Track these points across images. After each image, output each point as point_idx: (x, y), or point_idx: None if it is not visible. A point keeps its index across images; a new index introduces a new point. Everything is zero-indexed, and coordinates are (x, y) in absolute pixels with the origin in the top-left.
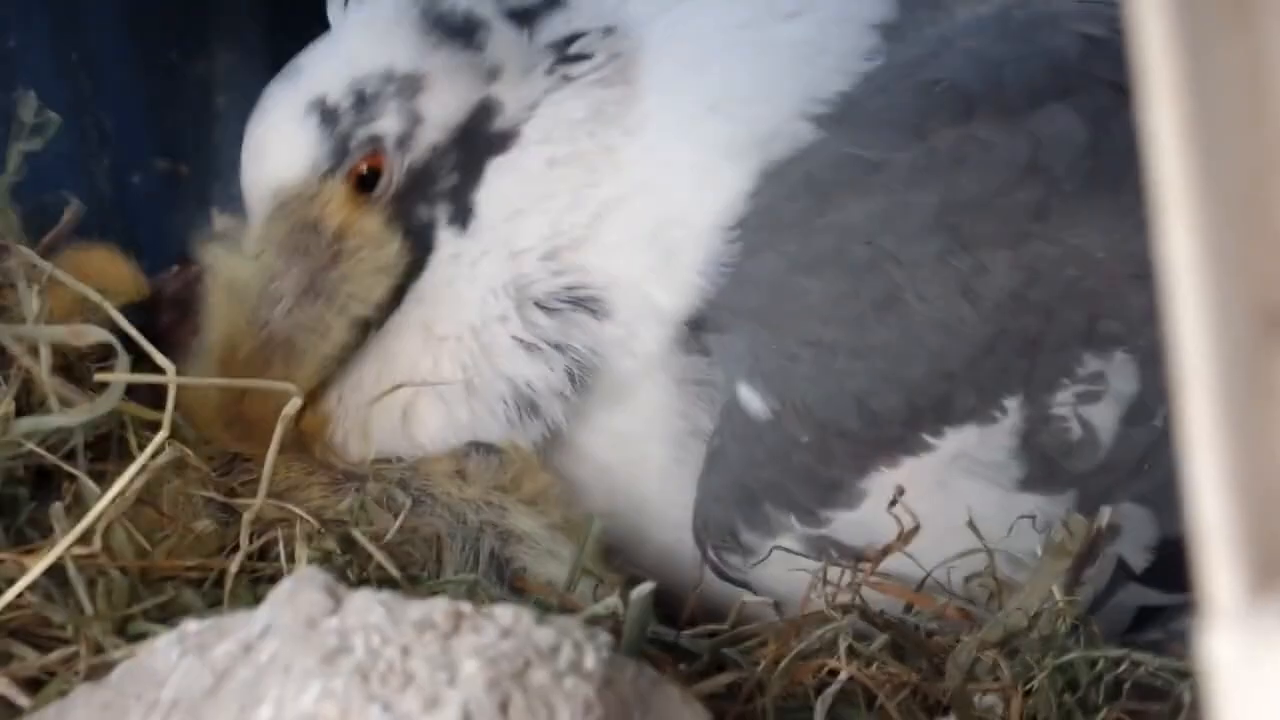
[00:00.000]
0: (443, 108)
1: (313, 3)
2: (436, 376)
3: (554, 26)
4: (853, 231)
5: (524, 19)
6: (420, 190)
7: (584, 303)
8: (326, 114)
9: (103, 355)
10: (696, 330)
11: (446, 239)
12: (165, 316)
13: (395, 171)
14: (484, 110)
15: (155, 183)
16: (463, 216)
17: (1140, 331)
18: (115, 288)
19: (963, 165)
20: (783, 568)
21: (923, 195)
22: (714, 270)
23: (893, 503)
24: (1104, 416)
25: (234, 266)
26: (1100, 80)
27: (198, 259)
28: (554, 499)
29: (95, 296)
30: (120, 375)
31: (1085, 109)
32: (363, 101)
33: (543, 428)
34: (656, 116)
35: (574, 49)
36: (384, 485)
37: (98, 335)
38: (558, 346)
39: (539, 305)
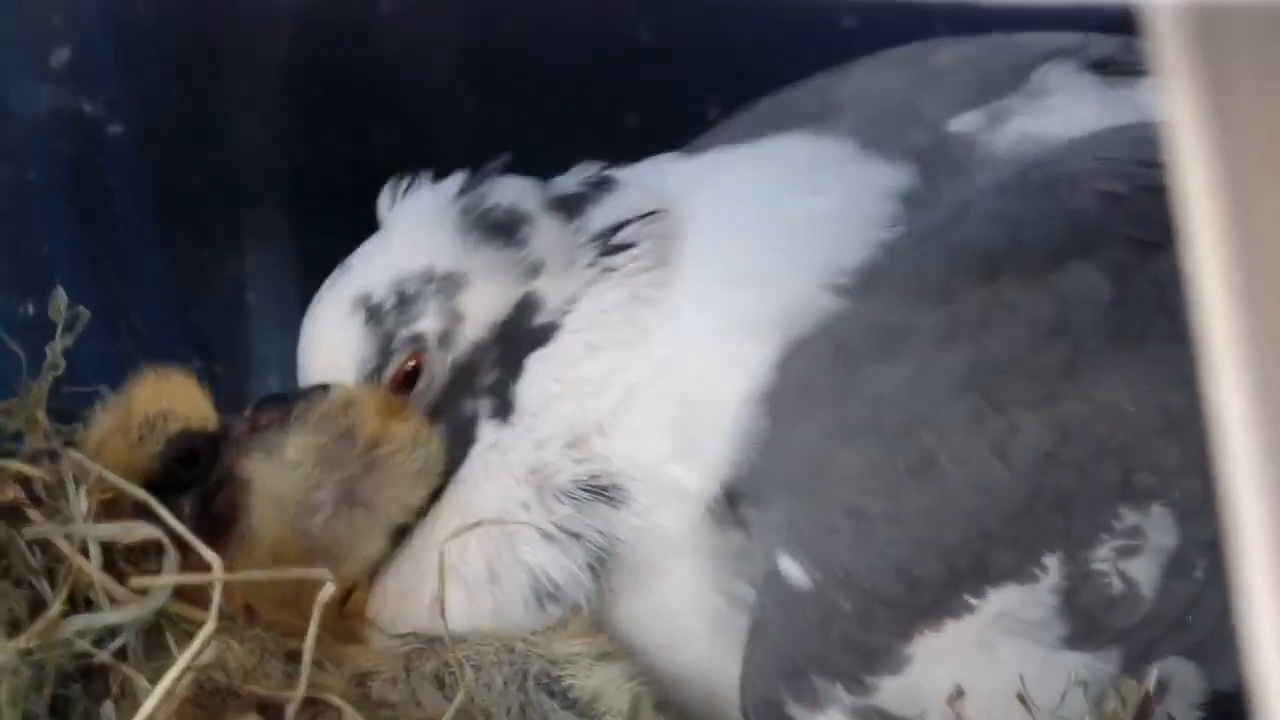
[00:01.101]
0: (484, 306)
1: (340, 202)
2: (463, 563)
3: (600, 215)
4: (884, 399)
5: (571, 208)
6: (464, 385)
7: (603, 492)
8: (371, 312)
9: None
10: (733, 505)
11: (487, 431)
12: (228, 454)
13: (438, 369)
14: (526, 306)
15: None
16: (504, 410)
17: (1176, 484)
18: (187, 410)
19: (989, 327)
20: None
21: (951, 359)
22: (747, 444)
23: (955, 699)
24: (1145, 570)
25: (275, 477)
26: (1120, 236)
27: (270, 408)
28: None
29: (142, 495)
30: (168, 578)
31: (1107, 265)
32: (404, 300)
33: (563, 611)
34: (688, 296)
35: (617, 239)
36: (487, 653)
37: (146, 533)
38: (576, 535)
39: (560, 494)
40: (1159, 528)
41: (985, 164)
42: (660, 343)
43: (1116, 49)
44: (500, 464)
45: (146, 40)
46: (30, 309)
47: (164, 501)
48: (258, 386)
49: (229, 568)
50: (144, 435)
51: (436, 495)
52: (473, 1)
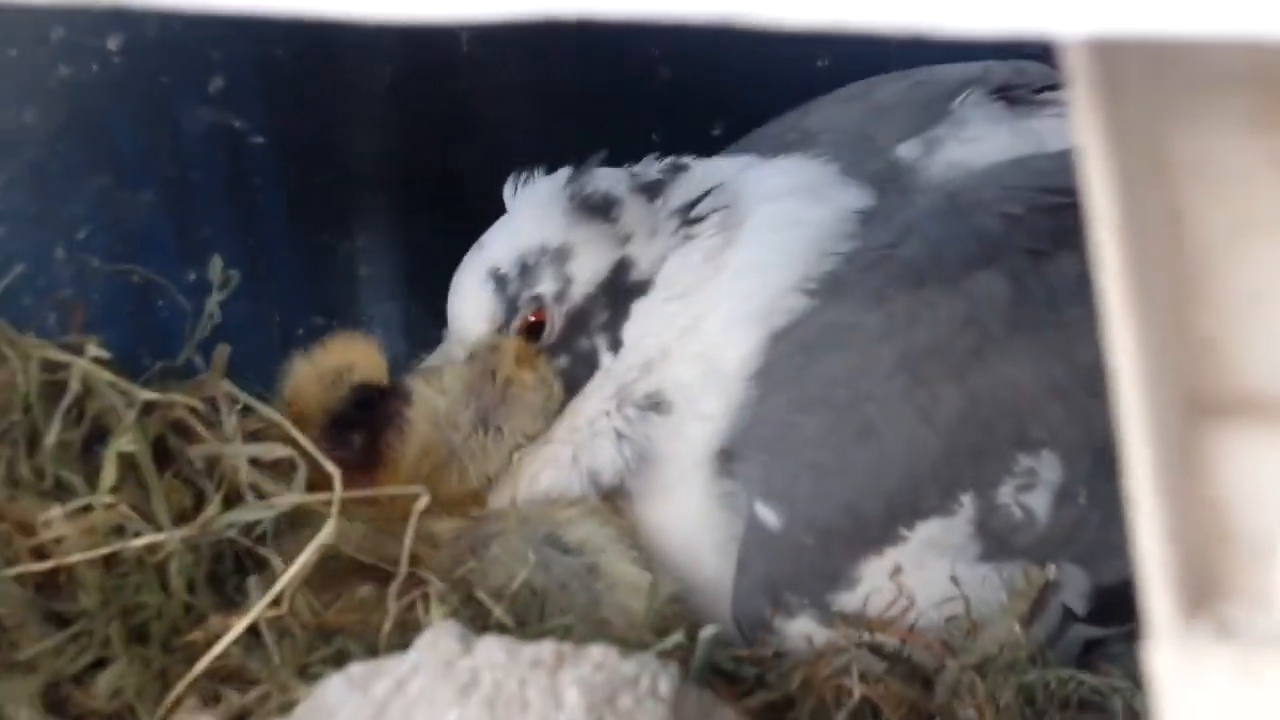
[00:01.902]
0: (587, 269)
1: (428, 197)
2: (567, 455)
3: (677, 194)
4: (836, 380)
5: (653, 190)
6: (579, 328)
7: (657, 405)
8: (499, 280)
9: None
10: (725, 461)
11: (606, 360)
12: (391, 405)
13: (556, 320)
14: (621, 267)
15: (316, 334)
16: (616, 345)
17: (1060, 434)
18: (367, 366)
19: (916, 323)
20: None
21: (887, 347)
22: (738, 412)
23: (895, 574)
24: (1038, 501)
25: (431, 397)
26: (1018, 249)
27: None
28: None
29: (278, 418)
30: (294, 497)
31: (1007, 272)
32: (525, 270)
33: (601, 491)
34: (728, 274)
35: (694, 213)
36: (507, 539)
37: (281, 452)
38: (627, 437)
39: (630, 406)
40: (1048, 468)
41: (924, 188)
42: (702, 304)
43: (1010, 74)
44: (600, 387)
45: (282, 72)
46: (193, 276)
47: (340, 433)
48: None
49: (386, 479)
50: (333, 382)
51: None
52: (532, 44)
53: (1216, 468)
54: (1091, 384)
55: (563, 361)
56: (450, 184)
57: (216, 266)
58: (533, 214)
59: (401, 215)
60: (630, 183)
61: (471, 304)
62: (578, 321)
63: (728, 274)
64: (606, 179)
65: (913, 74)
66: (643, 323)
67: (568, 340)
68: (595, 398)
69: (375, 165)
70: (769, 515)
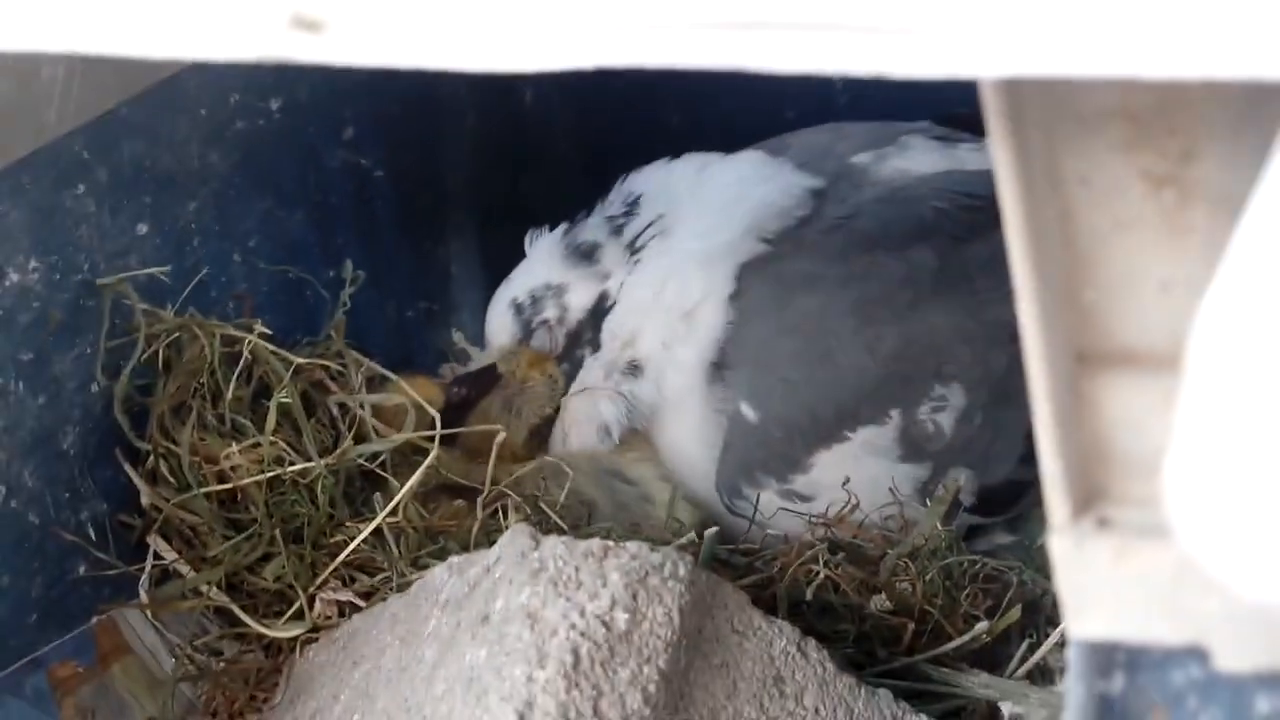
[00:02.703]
0: (579, 299)
1: (502, 216)
2: (581, 415)
3: (629, 229)
4: (807, 314)
5: (619, 229)
6: (575, 343)
7: (634, 369)
8: (517, 308)
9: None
10: (717, 369)
11: (588, 360)
12: (452, 414)
13: (559, 336)
14: (602, 296)
15: (421, 316)
16: (596, 345)
17: (966, 371)
18: (428, 397)
19: (869, 278)
20: (784, 520)
21: (845, 294)
22: (723, 332)
23: (845, 483)
24: (946, 420)
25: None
26: (945, 232)
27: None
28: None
29: (394, 377)
30: (402, 437)
31: (936, 248)
32: (535, 301)
33: (612, 442)
34: (678, 236)
35: (638, 243)
36: (580, 473)
37: (397, 400)
38: (621, 395)
39: (616, 373)
40: (955, 395)
41: (873, 182)
42: (659, 268)
43: (946, 132)
44: (593, 367)
45: (396, 123)
46: (331, 274)
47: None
48: (453, 317)
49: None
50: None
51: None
52: (576, 98)
53: (1098, 404)
54: (992, 336)
55: (565, 368)
56: (518, 203)
57: (348, 267)
58: (541, 259)
59: (482, 227)
60: (608, 229)
61: (497, 324)
62: (574, 338)
63: (675, 239)
64: (592, 229)
65: (876, 123)
66: (614, 322)
67: (568, 352)
68: (588, 378)
69: (463, 191)
70: (749, 412)
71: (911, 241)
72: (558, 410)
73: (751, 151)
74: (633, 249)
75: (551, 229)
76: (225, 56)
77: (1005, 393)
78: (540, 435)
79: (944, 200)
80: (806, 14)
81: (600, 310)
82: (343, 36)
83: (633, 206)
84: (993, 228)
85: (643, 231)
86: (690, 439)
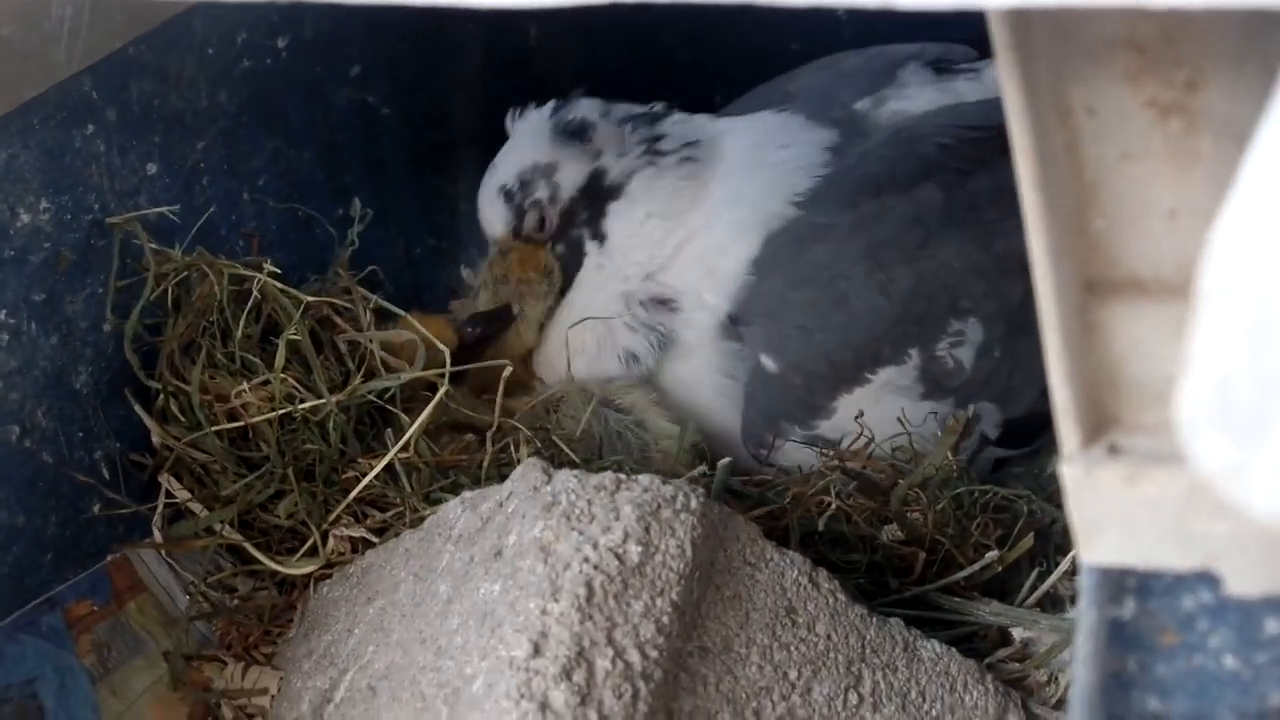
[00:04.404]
0: (570, 177)
1: None
2: (584, 344)
3: (643, 130)
4: (819, 264)
5: (626, 119)
6: (570, 222)
7: (665, 303)
8: (507, 194)
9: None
10: (733, 323)
11: (591, 251)
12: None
13: (552, 216)
14: (596, 175)
15: (429, 253)
16: (600, 237)
17: (982, 305)
18: (438, 334)
19: (878, 221)
20: (796, 452)
21: (856, 240)
22: (742, 290)
23: (858, 417)
24: (966, 354)
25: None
26: (949, 168)
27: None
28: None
29: (401, 313)
30: (412, 373)
31: (942, 184)
32: (524, 184)
33: (641, 370)
34: (714, 201)
35: (659, 145)
36: (571, 398)
37: (406, 336)
38: (648, 327)
39: (640, 304)
40: (973, 330)
41: (875, 128)
42: (697, 221)
43: (941, 51)
44: (604, 285)
45: (402, 61)
46: (339, 212)
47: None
48: (462, 253)
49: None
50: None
51: (564, 292)
52: (581, 36)
53: (1107, 333)
54: (1004, 267)
55: (560, 249)
56: None
57: (356, 205)
58: (526, 138)
59: (488, 165)
60: (603, 110)
61: (489, 213)
62: (567, 217)
63: (714, 203)
64: (583, 108)
65: (869, 51)
66: (626, 234)
67: (563, 232)
68: (599, 297)
69: (470, 127)
70: (769, 363)
71: (917, 181)
72: (561, 295)
73: (766, 114)
74: (651, 146)
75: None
76: None
77: (1022, 324)
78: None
79: (947, 136)
80: None
81: (596, 189)
82: None
83: (653, 115)
84: (997, 158)
85: (667, 136)
86: (704, 388)
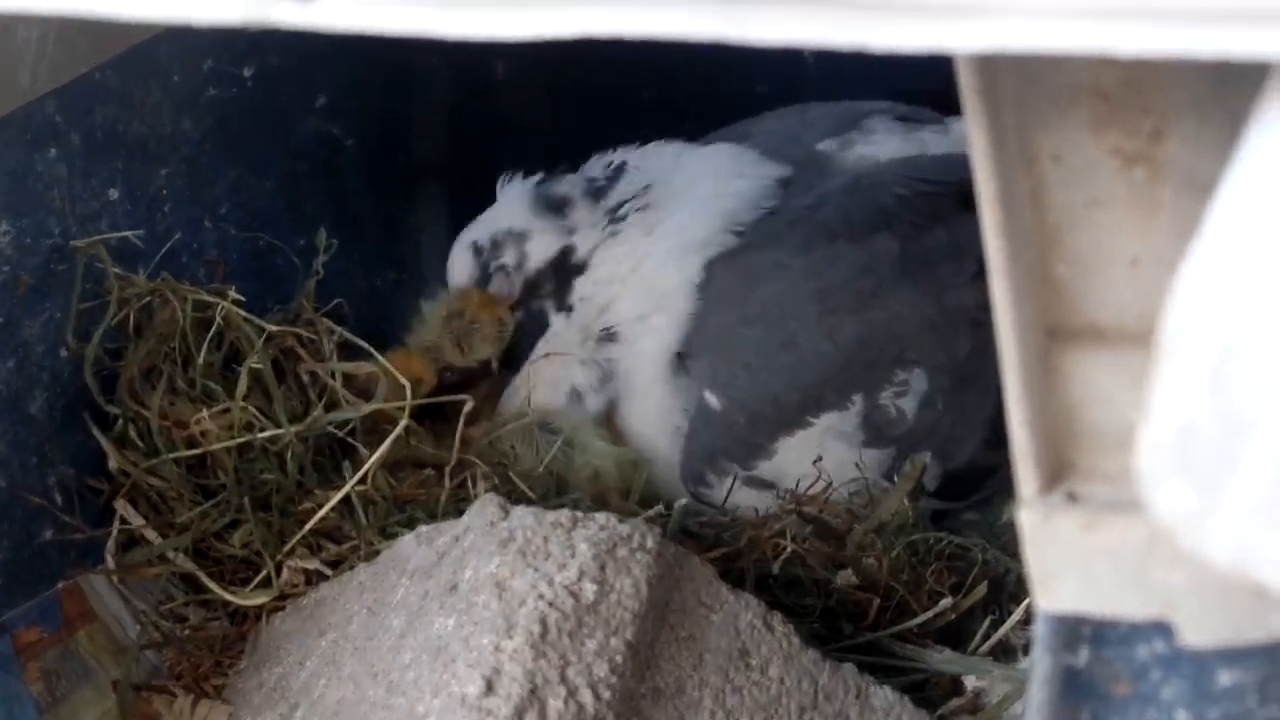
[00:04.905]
0: (540, 249)
1: (473, 188)
2: (547, 377)
3: (611, 196)
4: (769, 303)
5: (598, 193)
6: (533, 292)
7: (611, 336)
8: (477, 250)
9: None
10: (681, 359)
11: (556, 320)
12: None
13: (516, 282)
14: (566, 251)
15: (390, 286)
16: (566, 309)
17: (928, 357)
18: (416, 371)
19: (832, 266)
20: (738, 492)
21: (808, 283)
22: (688, 320)
23: (817, 461)
24: (909, 405)
25: (424, 334)
26: (906, 219)
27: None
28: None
29: (367, 347)
30: (372, 406)
31: (897, 235)
32: (494, 244)
33: (587, 407)
34: (661, 230)
35: (620, 213)
36: (529, 429)
37: (369, 369)
38: (594, 362)
39: (592, 339)
40: (918, 380)
41: (839, 169)
42: (643, 250)
43: (908, 111)
44: (568, 332)
45: (368, 93)
46: (302, 242)
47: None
48: (424, 289)
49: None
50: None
51: (524, 357)
52: (547, 72)
53: (1068, 379)
54: (953, 321)
55: (520, 315)
56: (488, 175)
57: (321, 236)
58: (508, 204)
59: (452, 199)
60: (584, 187)
61: (458, 266)
62: (532, 287)
63: (659, 230)
64: (566, 184)
65: (837, 103)
66: (589, 290)
67: (525, 300)
68: (562, 339)
69: (434, 162)
70: (713, 400)
71: (874, 229)
72: (507, 353)
73: (722, 144)
74: (613, 216)
75: (526, 177)
76: (210, 20)
77: (967, 378)
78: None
79: (906, 187)
80: None
81: (563, 265)
82: (326, 1)
83: (615, 174)
84: (955, 213)
85: (626, 201)
86: (652, 424)
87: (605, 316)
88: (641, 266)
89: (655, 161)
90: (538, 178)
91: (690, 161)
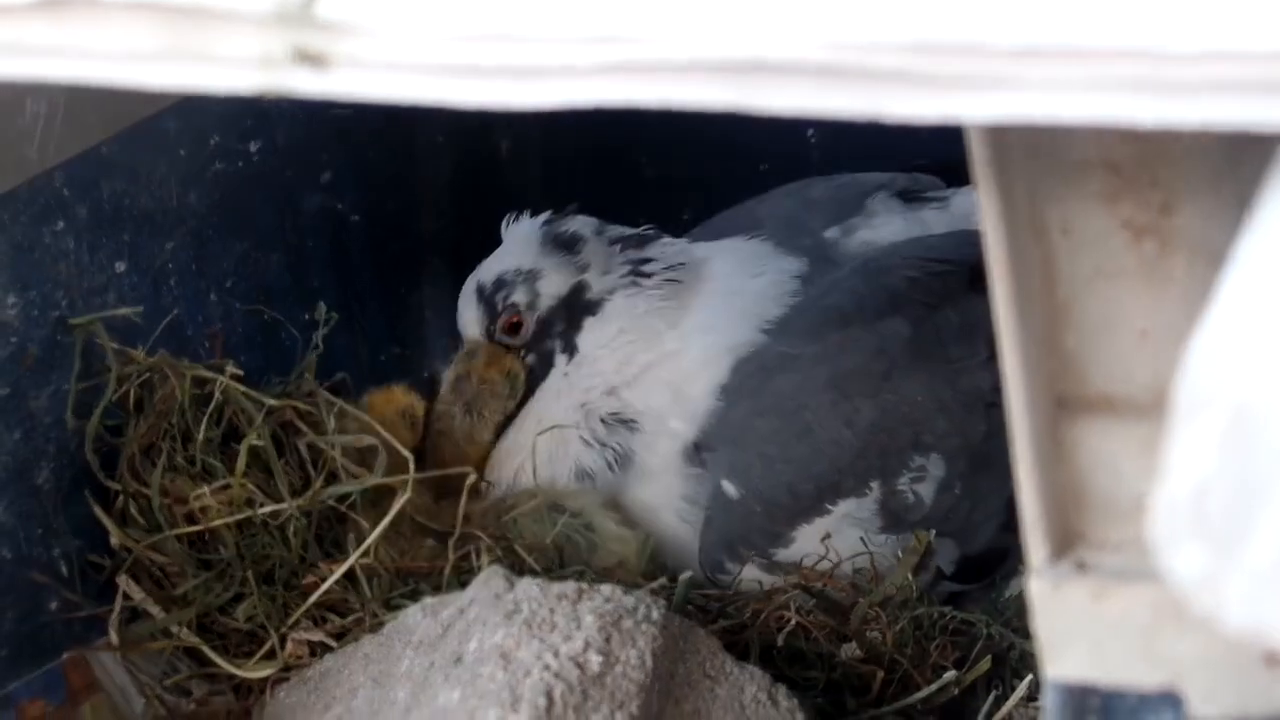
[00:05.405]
0: (552, 287)
1: (478, 258)
2: (538, 452)
3: (631, 252)
4: (783, 394)
5: (617, 240)
6: (546, 333)
7: (626, 423)
8: (483, 293)
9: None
10: (697, 450)
11: (560, 362)
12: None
13: (530, 322)
14: (578, 288)
15: (394, 360)
16: (570, 350)
17: (944, 441)
18: (402, 404)
19: (843, 352)
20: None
21: (821, 370)
22: (708, 417)
23: (825, 539)
24: (926, 489)
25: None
26: (916, 301)
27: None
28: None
29: (366, 419)
30: (374, 479)
31: (909, 318)
32: (501, 285)
33: (594, 486)
34: (690, 325)
35: (645, 268)
36: (535, 505)
37: (368, 442)
38: (604, 444)
39: (600, 420)
40: (934, 465)
41: (845, 257)
42: (670, 346)
43: (909, 182)
44: (564, 394)
45: (372, 169)
46: (305, 316)
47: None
48: (428, 362)
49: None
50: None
51: (529, 397)
52: (553, 151)
53: (1077, 449)
54: (968, 403)
55: (532, 359)
56: (491, 250)
57: (322, 309)
58: (515, 244)
59: (456, 274)
60: (596, 228)
61: (465, 311)
62: (544, 327)
63: (687, 328)
64: (577, 223)
65: (838, 178)
66: (597, 346)
67: (537, 341)
68: (557, 406)
69: (438, 237)
70: (730, 489)
71: (884, 313)
72: (520, 404)
73: (738, 239)
74: (637, 269)
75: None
76: (226, 89)
77: (983, 461)
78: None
79: (914, 269)
80: (802, 57)
81: (576, 302)
82: (342, 71)
83: (648, 238)
84: (964, 293)
85: (654, 261)
86: (666, 512)
87: (618, 400)
88: (668, 364)
89: (685, 249)
90: (545, 216)
91: (718, 253)
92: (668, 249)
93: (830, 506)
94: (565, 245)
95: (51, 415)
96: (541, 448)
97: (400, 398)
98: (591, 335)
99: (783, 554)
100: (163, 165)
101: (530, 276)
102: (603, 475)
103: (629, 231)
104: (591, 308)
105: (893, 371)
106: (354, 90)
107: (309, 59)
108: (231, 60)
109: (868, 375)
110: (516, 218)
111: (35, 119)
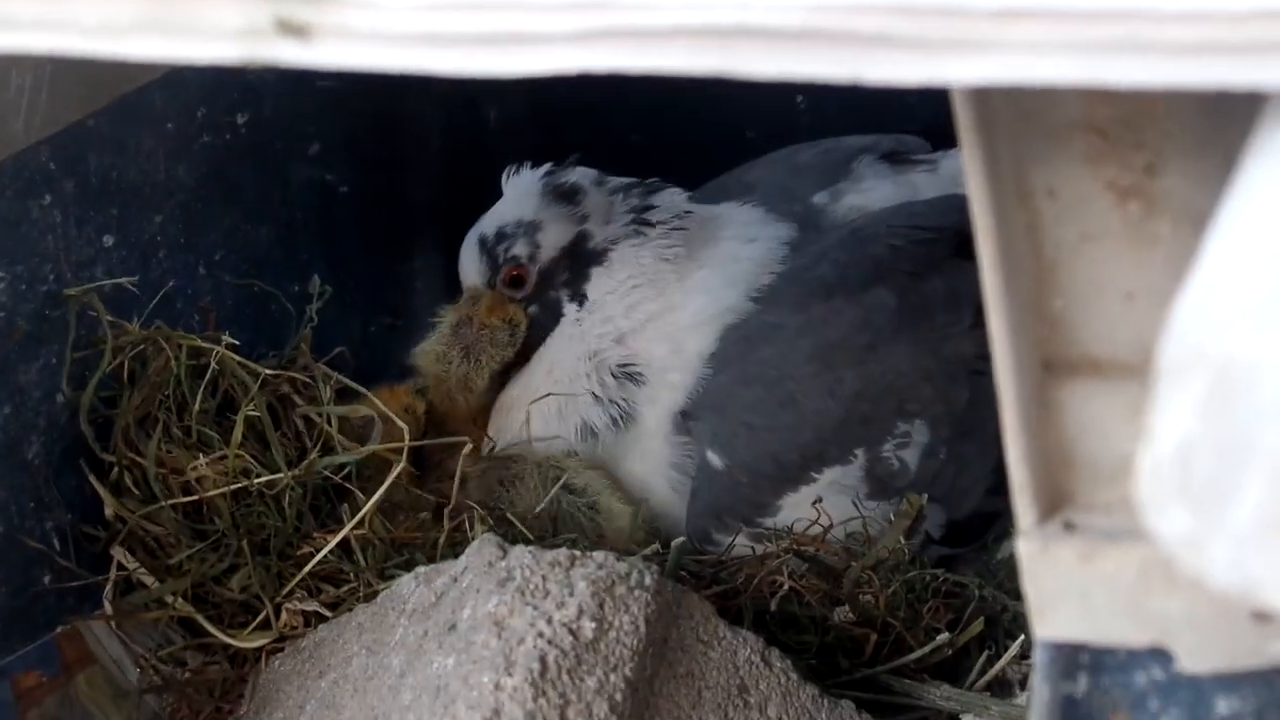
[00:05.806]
0: (553, 238)
1: (467, 228)
2: (545, 410)
3: (633, 200)
4: (767, 363)
5: (623, 190)
6: (548, 283)
7: (632, 376)
8: (484, 245)
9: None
10: (684, 419)
11: (570, 311)
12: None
13: (531, 275)
14: (580, 238)
15: (385, 331)
16: (580, 298)
17: (928, 408)
18: (404, 403)
19: (827, 324)
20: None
21: (805, 341)
22: (697, 382)
23: (816, 502)
24: (911, 456)
25: (431, 345)
26: (901, 270)
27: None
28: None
29: (361, 390)
30: (372, 447)
31: (893, 288)
32: (503, 238)
33: (597, 445)
34: (693, 282)
35: (648, 215)
36: (526, 468)
37: (365, 412)
38: (612, 401)
39: (610, 372)
40: (919, 432)
41: (832, 224)
42: (674, 299)
43: (894, 144)
44: (577, 340)
45: (360, 138)
46: (296, 288)
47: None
48: (418, 335)
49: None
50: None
51: (536, 349)
52: (540, 119)
53: (1064, 411)
54: (952, 371)
55: (534, 309)
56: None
57: (315, 282)
58: (515, 196)
59: (446, 244)
60: (595, 179)
61: (467, 263)
62: (546, 277)
63: (690, 285)
64: (577, 174)
65: (824, 143)
66: (606, 292)
67: (540, 292)
68: (568, 354)
69: (427, 207)
70: (716, 460)
71: (869, 283)
72: (519, 355)
73: (732, 203)
74: (640, 217)
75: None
76: (210, 59)
77: (968, 427)
78: (501, 381)
79: (900, 238)
80: (784, 21)
81: (578, 252)
82: (325, 41)
83: (651, 187)
84: (949, 261)
85: (658, 209)
86: (658, 481)
87: (627, 348)
88: (670, 317)
89: (694, 203)
90: (546, 168)
91: (726, 215)
92: (674, 197)
93: (815, 475)
94: (565, 196)
95: (41, 389)
96: (550, 405)
97: (402, 396)
98: (600, 283)
99: (769, 523)
100: (150, 138)
101: (531, 228)
102: (606, 433)
103: (630, 181)
104: (597, 257)
105: (877, 343)
106: (338, 60)
107: (292, 29)
108: (215, 31)
109: (851, 347)
110: (517, 170)
111: (20, 93)
